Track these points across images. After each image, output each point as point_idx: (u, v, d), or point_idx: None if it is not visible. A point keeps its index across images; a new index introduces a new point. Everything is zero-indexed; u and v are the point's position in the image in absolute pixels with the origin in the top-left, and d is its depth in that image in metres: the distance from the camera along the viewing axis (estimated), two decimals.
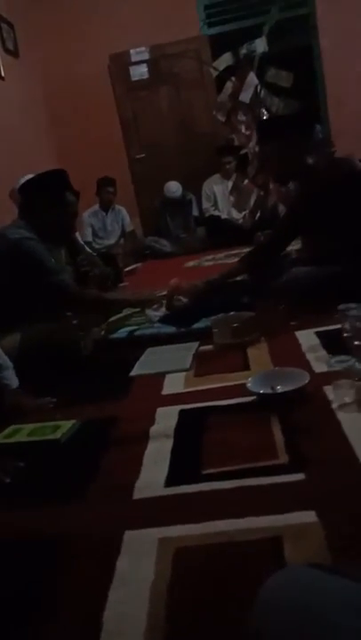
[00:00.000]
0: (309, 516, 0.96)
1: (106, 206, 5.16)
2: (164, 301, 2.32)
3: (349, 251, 2.18)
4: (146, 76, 5.55)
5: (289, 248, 2.66)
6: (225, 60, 4.07)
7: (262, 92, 3.95)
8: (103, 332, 2.28)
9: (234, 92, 3.99)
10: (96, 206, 5.15)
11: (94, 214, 5.15)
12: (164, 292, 2.32)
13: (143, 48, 5.46)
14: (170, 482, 1.15)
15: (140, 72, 5.55)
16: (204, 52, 5.34)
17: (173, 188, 5.18)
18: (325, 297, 2.06)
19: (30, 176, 2.45)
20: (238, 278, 2.46)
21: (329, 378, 1.41)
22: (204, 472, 1.16)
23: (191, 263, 4.41)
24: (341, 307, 1.84)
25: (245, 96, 3.87)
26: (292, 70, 3.97)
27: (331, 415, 1.31)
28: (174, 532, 0.99)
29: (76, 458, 1.35)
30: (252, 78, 3.87)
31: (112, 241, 5.15)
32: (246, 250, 3.16)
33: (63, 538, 1.03)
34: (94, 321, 2.34)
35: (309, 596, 0.56)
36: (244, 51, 3.99)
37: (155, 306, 2.32)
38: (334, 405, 1.35)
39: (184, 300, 2.20)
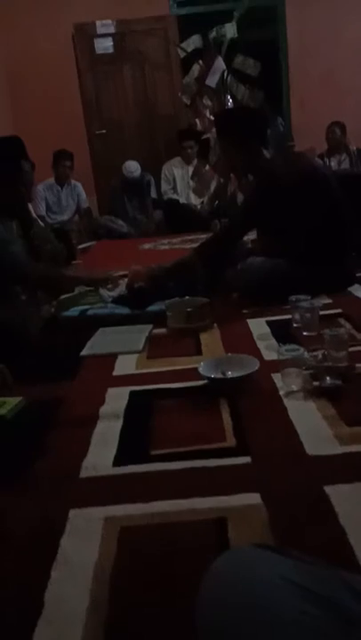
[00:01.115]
0: (254, 499, 0.98)
1: (62, 181, 5.01)
2: (120, 282, 2.30)
3: (300, 246, 2.22)
4: (110, 50, 5.40)
5: (245, 238, 2.69)
6: (194, 41, 4.01)
7: (229, 78, 3.94)
8: (53, 310, 2.22)
9: (200, 75, 3.95)
10: (51, 180, 5.00)
11: (49, 188, 5.00)
12: (119, 273, 2.29)
13: (110, 21, 5.30)
14: (118, 462, 1.15)
15: (104, 46, 5.39)
16: (172, 32, 5.25)
17: (132, 167, 5.09)
18: (278, 288, 2.10)
19: None
20: (192, 266, 2.46)
21: (278, 366, 1.44)
22: (153, 453, 1.17)
23: (146, 246, 4.37)
24: (292, 298, 1.90)
25: (212, 80, 3.84)
26: (259, 61, 3.96)
27: (278, 402, 1.35)
28: (120, 512, 0.99)
29: (22, 436, 1.31)
30: (219, 63, 3.84)
31: (66, 217, 5.02)
32: (203, 236, 3.18)
33: (5, 515, 1.01)
34: (45, 298, 2.28)
35: (253, 579, 0.57)
36: (213, 34, 3.94)
37: (109, 286, 2.29)
38: (282, 392, 1.39)
39: (140, 282, 2.18)
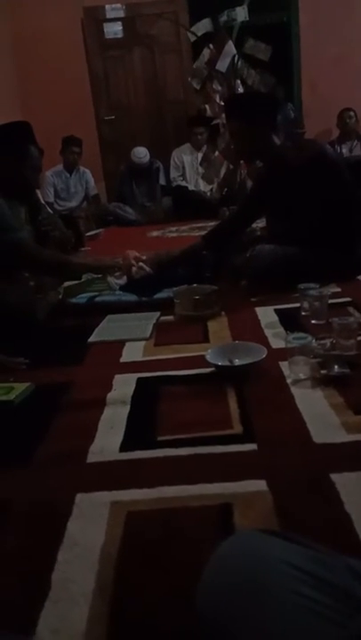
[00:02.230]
0: (259, 485, 0.99)
1: (70, 167, 4.99)
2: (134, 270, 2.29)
3: (309, 233, 2.21)
4: (120, 34, 5.34)
5: (254, 225, 2.67)
6: (204, 25, 3.94)
7: (239, 62, 3.87)
8: (61, 296, 2.23)
9: (211, 59, 3.89)
10: (60, 166, 4.98)
11: (58, 174, 4.98)
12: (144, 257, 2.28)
13: (119, 5, 5.23)
14: (125, 447, 1.15)
15: (114, 30, 5.33)
16: (183, 16, 5.17)
17: (141, 153, 5.06)
18: (286, 276, 2.09)
19: None
20: (202, 253, 2.45)
21: (285, 354, 1.44)
22: (159, 439, 1.17)
23: (155, 233, 4.36)
24: (301, 286, 1.88)
25: (222, 65, 3.78)
26: (270, 45, 3.90)
27: (285, 390, 1.34)
28: (127, 496, 0.99)
29: (30, 420, 1.32)
30: (230, 47, 3.77)
31: (74, 203, 5.01)
32: (211, 224, 3.16)
33: (14, 499, 1.02)
34: (52, 283, 2.28)
35: (257, 563, 0.58)
36: (223, 18, 3.87)
37: (117, 273, 2.28)
38: (289, 380, 1.38)
39: (148, 269, 2.17)
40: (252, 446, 1.12)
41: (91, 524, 0.93)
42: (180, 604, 0.75)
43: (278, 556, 0.58)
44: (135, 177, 5.18)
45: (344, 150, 5.11)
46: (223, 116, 3.93)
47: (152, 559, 0.84)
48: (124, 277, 2.26)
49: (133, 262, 2.16)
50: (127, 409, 1.32)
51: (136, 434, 1.20)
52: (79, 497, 1.00)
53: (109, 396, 1.39)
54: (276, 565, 0.57)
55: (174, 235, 4.20)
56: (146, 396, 1.38)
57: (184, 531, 0.90)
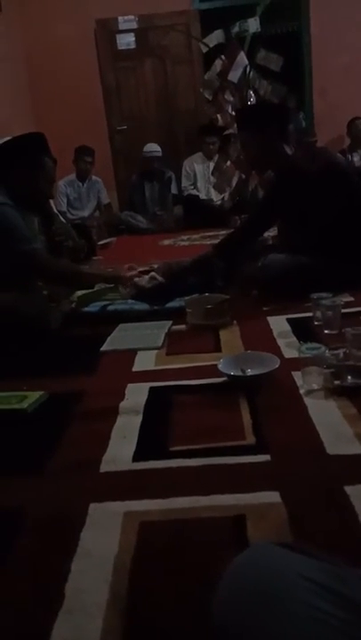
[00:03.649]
0: (273, 497, 0.98)
1: (83, 176, 5.04)
2: (135, 280, 2.30)
3: (320, 243, 2.20)
4: (132, 46, 5.40)
5: (266, 234, 2.68)
6: (216, 36, 3.98)
7: (251, 73, 3.90)
8: (74, 305, 2.24)
9: (223, 70, 3.92)
10: (72, 175, 5.03)
11: (70, 183, 5.03)
12: (140, 269, 2.30)
13: (132, 17, 5.30)
14: (137, 457, 1.15)
15: (126, 41, 5.39)
16: (194, 27, 5.22)
17: (151, 146, 5.08)
18: (299, 285, 2.08)
19: (7, 138, 2.36)
20: (213, 261, 2.45)
21: (298, 364, 1.43)
22: (172, 449, 1.17)
23: (166, 242, 4.37)
24: (314, 295, 1.88)
25: (234, 76, 3.81)
26: (281, 54, 3.92)
27: (298, 400, 1.34)
28: (140, 507, 0.99)
29: (43, 429, 1.33)
30: (242, 58, 3.80)
31: (87, 212, 5.05)
32: (222, 232, 3.17)
33: (27, 508, 1.02)
34: (65, 292, 2.30)
35: (273, 575, 0.58)
36: (235, 29, 3.91)
37: (129, 283, 2.29)
38: (302, 391, 1.38)
39: (160, 278, 2.18)
40: (266, 457, 1.11)
41: (104, 533, 0.93)
42: (193, 614, 0.74)
43: (294, 569, 0.58)
44: (147, 178, 5.19)
45: (355, 159, 5.11)
46: (235, 125, 3.96)
47: (165, 570, 0.84)
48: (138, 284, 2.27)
49: (133, 273, 2.19)
50: (140, 418, 1.32)
51: (149, 444, 1.20)
52: (92, 507, 1.00)
53: (122, 405, 1.40)
54: (293, 578, 0.57)
55: (186, 243, 4.22)
56: (158, 406, 1.38)
57: (197, 542, 0.90)
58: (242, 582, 0.60)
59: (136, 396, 1.45)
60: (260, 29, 3.95)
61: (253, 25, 3.87)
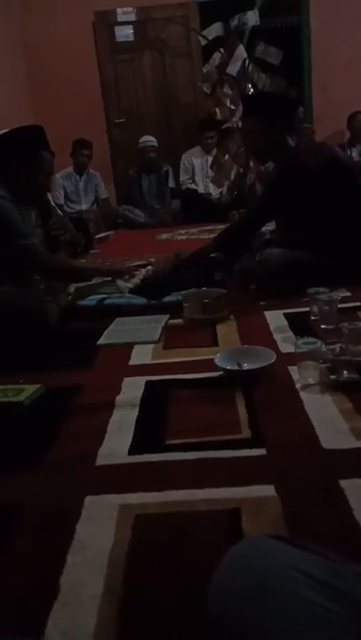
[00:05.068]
0: (268, 491, 0.98)
1: (80, 169, 5.02)
2: (137, 273, 2.30)
3: (319, 237, 2.20)
4: (131, 38, 5.36)
5: (264, 228, 2.67)
6: (215, 29, 3.95)
7: (250, 66, 3.88)
8: (70, 298, 2.24)
9: (221, 63, 3.90)
10: (70, 168, 5.01)
11: (68, 177, 5.01)
12: (137, 263, 2.30)
13: (130, 9, 5.26)
14: (133, 450, 1.16)
15: (125, 34, 5.35)
16: (193, 20, 5.18)
17: (147, 137, 5.07)
18: (296, 280, 2.08)
19: (4, 131, 2.34)
20: (212, 255, 2.45)
21: (295, 359, 1.43)
22: (168, 442, 1.18)
23: (164, 236, 4.37)
24: (311, 290, 1.88)
25: (233, 69, 3.79)
26: (280, 48, 3.90)
27: (294, 395, 1.34)
28: (135, 500, 1.00)
29: (40, 422, 1.33)
30: (241, 51, 3.78)
31: (84, 206, 5.04)
32: (220, 227, 3.16)
33: (23, 501, 1.03)
34: (62, 287, 2.30)
35: (268, 568, 0.58)
36: (235, 22, 3.88)
37: (126, 277, 2.30)
38: (298, 385, 1.38)
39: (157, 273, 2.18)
40: (261, 451, 1.12)
41: (99, 526, 0.94)
42: (188, 607, 0.75)
43: (290, 562, 0.58)
44: (144, 173, 5.17)
45: (354, 154, 5.10)
46: (233, 119, 3.94)
47: (160, 563, 0.85)
48: (133, 280, 2.27)
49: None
50: (136, 412, 1.32)
51: (145, 437, 1.21)
52: (88, 499, 1.01)
53: (118, 398, 1.40)
54: (288, 572, 0.57)
55: (183, 237, 4.21)
56: (155, 400, 1.39)
57: (192, 535, 0.90)
58: (237, 575, 0.60)
59: (133, 389, 1.45)
60: (259, 22, 3.92)
61: (253, 18, 3.85)
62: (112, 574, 0.83)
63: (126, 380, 1.51)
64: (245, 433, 1.19)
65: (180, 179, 5.29)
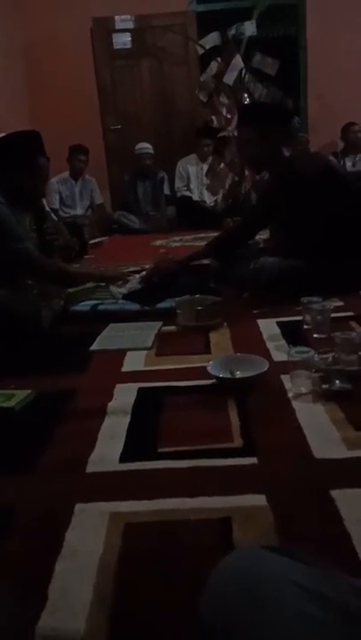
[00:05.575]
0: (259, 500, 0.98)
1: (76, 175, 5.03)
2: (130, 278, 2.31)
3: (314, 246, 2.22)
4: (129, 45, 5.40)
5: (257, 237, 2.69)
6: (213, 38, 4.00)
7: (247, 76, 3.92)
8: (63, 303, 2.23)
9: (218, 72, 3.93)
10: (66, 173, 5.02)
11: (63, 181, 5.01)
12: (130, 269, 2.30)
13: (129, 16, 5.29)
14: (125, 458, 1.15)
15: (123, 41, 5.39)
16: (191, 29, 5.22)
17: (143, 144, 5.10)
18: (290, 288, 2.09)
19: (1, 135, 2.34)
20: (206, 262, 2.46)
21: (287, 367, 1.44)
22: (160, 450, 1.17)
23: (158, 242, 4.37)
24: (304, 299, 1.89)
25: (229, 78, 3.82)
26: (277, 58, 3.94)
27: (287, 404, 1.34)
28: (126, 508, 0.99)
29: (30, 428, 1.32)
30: (237, 61, 3.82)
31: (79, 211, 5.04)
32: (214, 234, 3.17)
33: (12, 507, 1.02)
34: (56, 291, 2.29)
35: (260, 577, 0.58)
36: (232, 32, 3.92)
37: (119, 282, 2.30)
38: (291, 394, 1.38)
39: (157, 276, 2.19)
40: (253, 460, 1.11)
41: (89, 534, 0.93)
42: (178, 616, 0.74)
43: (281, 572, 0.58)
44: (139, 179, 5.18)
45: (348, 163, 5.15)
46: (230, 128, 3.97)
47: (150, 571, 0.84)
48: (127, 286, 2.28)
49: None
50: (128, 419, 1.32)
51: (136, 444, 1.20)
52: (78, 507, 1.00)
53: (110, 405, 1.39)
54: (280, 582, 0.57)
55: (178, 244, 4.21)
56: (147, 407, 1.38)
57: (183, 544, 0.90)
58: (229, 585, 0.60)
59: (125, 396, 1.44)
60: (256, 33, 3.97)
61: (250, 28, 3.90)
62: (102, 582, 0.82)
63: (119, 386, 1.51)
64: (237, 441, 1.19)
65: (176, 186, 5.31)
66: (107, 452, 1.18)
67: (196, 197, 5.19)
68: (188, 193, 5.23)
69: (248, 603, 0.55)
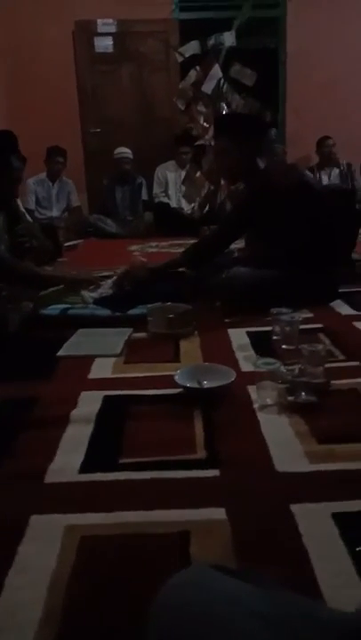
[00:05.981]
0: (219, 513, 0.97)
1: (53, 176, 4.98)
2: (102, 283, 2.28)
3: (286, 257, 2.23)
4: (110, 49, 5.39)
5: (232, 246, 2.69)
6: (192, 47, 4.01)
7: (225, 86, 3.95)
8: (32, 306, 2.19)
9: (197, 81, 3.95)
10: (43, 174, 4.97)
11: (40, 182, 4.96)
12: (102, 274, 2.27)
13: (110, 20, 5.29)
14: (85, 468, 1.13)
15: (104, 44, 5.38)
16: (173, 36, 5.25)
17: (122, 149, 5.08)
18: (261, 299, 2.10)
19: None
20: (180, 270, 2.45)
21: (254, 378, 1.44)
22: (121, 461, 1.15)
23: (134, 247, 4.35)
24: (273, 310, 1.90)
25: (208, 87, 3.84)
26: (256, 70, 3.98)
27: (252, 415, 1.34)
28: (82, 520, 0.97)
29: None
30: (216, 70, 3.85)
31: (55, 213, 4.99)
32: (191, 241, 3.17)
33: None
34: (26, 294, 2.25)
35: (208, 600, 0.57)
36: (212, 41, 3.95)
37: (91, 287, 2.27)
38: (256, 405, 1.38)
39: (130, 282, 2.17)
40: (215, 472, 1.10)
41: (43, 547, 0.90)
42: (129, 632, 0.73)
43: (229, 593, 0.58)
44: (118, 184, 5.16)
45: (323, 177, 5.23)
46: (207, 137, 3.99)
47: (104, 587, 0.82)
48: (98, 290, 2.25)
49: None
50: (91, 428, 1.29)
51: (98, 455, 1.18)
52: (33, 519, 0.97)
53: (73, 413, 1.37)
54: (226, 603, 0.56)
55: (154, 250, 4.20)
56: (111, 416, 1.36)
57: (140, 558, 0.88)
58: (175, 604, 0.59)
59: (89, 404, 1.42)
60: (235, 43, 4.00)
61: (229, 38, 3.93)
62: (52, 599, 0.80)
63: (83, 394, 1.48)
64: (201, 453, 1.18)
65: (154, 191, 5.30)
66: (67, 462, 1.15)
67: (173, 204, 5.19)
68: (165, 199, 5.23)
69: (194, 623, 0.55)
